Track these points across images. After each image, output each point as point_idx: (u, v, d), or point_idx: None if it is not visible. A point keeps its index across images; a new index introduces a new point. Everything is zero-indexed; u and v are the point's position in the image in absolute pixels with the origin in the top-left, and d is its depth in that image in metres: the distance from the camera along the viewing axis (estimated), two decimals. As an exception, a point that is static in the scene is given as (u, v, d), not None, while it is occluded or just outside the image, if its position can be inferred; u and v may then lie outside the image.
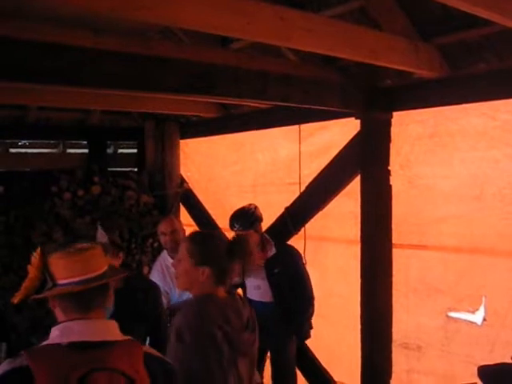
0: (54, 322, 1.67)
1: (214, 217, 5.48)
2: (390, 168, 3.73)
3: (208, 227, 5.40)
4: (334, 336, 4.41)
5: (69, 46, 2.50)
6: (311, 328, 4.07)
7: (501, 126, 3.24)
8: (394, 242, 3.78)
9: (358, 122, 3.84)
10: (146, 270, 5.39)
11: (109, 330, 1.66)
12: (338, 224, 4.28)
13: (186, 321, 2.13)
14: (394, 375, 3.81)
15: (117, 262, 2.95)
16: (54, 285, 1.65)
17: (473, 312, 3.41)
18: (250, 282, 4.01)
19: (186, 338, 2.06)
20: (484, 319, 3.35)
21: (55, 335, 1.61)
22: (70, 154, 6.26)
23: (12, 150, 5.99)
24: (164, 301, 3.51)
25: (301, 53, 3.67)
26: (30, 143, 6.06)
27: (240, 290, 4.03)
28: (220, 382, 2.10)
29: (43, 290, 1.69)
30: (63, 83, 2.73)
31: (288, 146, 4.66)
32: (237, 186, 5.22)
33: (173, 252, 3.92)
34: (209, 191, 5.66)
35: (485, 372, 2.34)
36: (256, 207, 4.04)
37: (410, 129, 3.70)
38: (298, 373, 4.35)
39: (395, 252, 3.79)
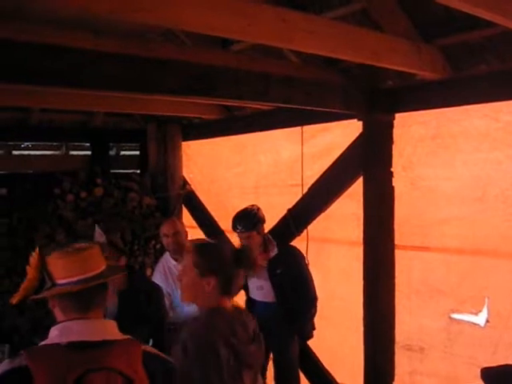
0: (54, 322, 1.68)
1: (216, 218, 5.48)
2: (392, 169, 3.73)
3: (210, 229, 5.41)
4: (337, 338, 4.40)
5: (69, 48, 2.50)
6: (314, 329, 4.07)
7: (503, 128, 3.24)
8: (396, 243, 3.77)
9: (360, 123, 3.84)
10: (148, 271, 5.39)
11: (108, 330, 1.67)
12: (341, 225, 4.27)
13: (191, 333, 2.11)
14: (396, 377, 3.80)
15: (118, 266, 2.95)
16: (53, 285, 1.66)
17: (475, 313, 3.39)
18: (253, 283, 4.02)
19: (189, 347, 2.04)
20: (487, 321, 3.34)
21: (54, 335, 1.62)
22: (72, 156, 6.27)
23: (15, 152, 5.99)
24: (166, 302, 3.50)
25: (303, 54, 3.66)
26: (32, 145, 6.07)
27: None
28: None
29: (42, 290, 1.69)
30: (63, 85, 2.74)
31: (290, 147, 4.66)
32: (239, 188, 5.22)
33: (175, 254, 3.92)
34: (211, 193, 5.66)
35: (488, 374, 2.32)
36: (258, 208, 4.03)
37: (413, 130, 3.69)
38: (301, 375, 4.33)
39: (398, 253, 3.78)
